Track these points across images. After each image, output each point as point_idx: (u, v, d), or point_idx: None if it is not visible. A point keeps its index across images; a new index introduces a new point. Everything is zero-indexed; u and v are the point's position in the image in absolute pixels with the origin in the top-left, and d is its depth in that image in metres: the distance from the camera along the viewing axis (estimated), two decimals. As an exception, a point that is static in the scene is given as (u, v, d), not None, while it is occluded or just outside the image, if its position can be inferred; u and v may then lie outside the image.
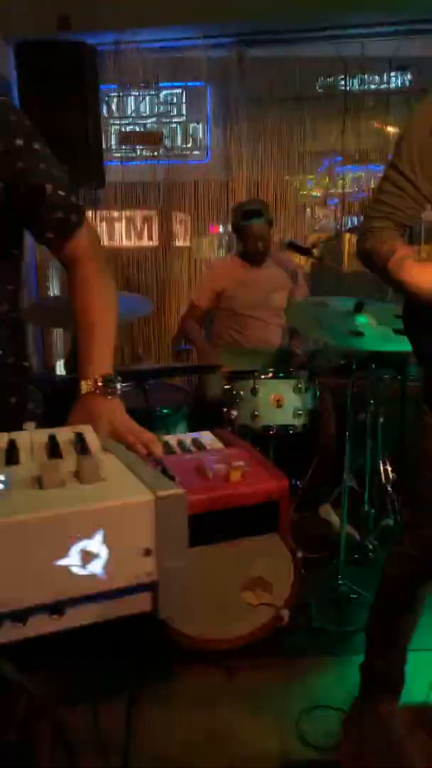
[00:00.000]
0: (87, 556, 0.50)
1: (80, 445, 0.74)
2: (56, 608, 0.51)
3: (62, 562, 0.49)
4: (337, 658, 1.96)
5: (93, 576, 0.49)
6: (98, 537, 0.50)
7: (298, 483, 2.83)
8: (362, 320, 2.07)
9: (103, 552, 0.50)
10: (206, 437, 1.28)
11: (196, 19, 3.17)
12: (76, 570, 0.49)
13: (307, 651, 2.02)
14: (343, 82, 3.31)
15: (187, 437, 1.28)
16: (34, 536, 0.49)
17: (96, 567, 0.50)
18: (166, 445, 1.22)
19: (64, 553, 0.49)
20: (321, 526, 2.64)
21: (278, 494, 1.01)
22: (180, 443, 1.25)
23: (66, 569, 0.49)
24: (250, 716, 1.78)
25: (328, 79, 3.34)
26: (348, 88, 3.31)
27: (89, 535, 0.50)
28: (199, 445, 1.25)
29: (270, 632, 1.97)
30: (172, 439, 1.27)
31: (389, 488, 2.59)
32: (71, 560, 0.49)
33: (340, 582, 2.26)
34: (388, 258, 1.30)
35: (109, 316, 1.07)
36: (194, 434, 1.29)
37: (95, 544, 0.49)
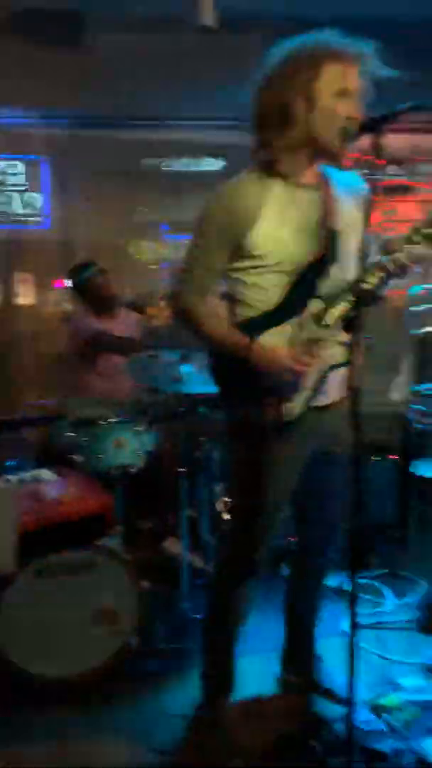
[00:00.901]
0: None
1: None
2: None
3: None
4: (184, 673, 2.13)
5: None
6: None
7: (146, 524, 3.04)
8: (186, 368, 2.40)
9: None
10: (44, 472, 1.47)
11: (32, 102, 3.46)
12: None
13: (156, 671, 2.17)
14: (166, 163, 3.80)
15: (27, 474, 1.45)
16: None
17: None
18: (7, 481, 1.38)
19: None
20: (167, 560, 2.84)
21: (103, 509, 1.23)
22: (19, 479, 1.42)
23: None
24: (103, 739, 1.90)
25: (153, 159, 3.79)
26: (170, 168, 3.80)
27: None
28: (37, 478, 1.43)
29: (120, 660, 2.12)
30: (12, 477, 1.44)
31: (225, 515, 2.89)
32: None
33: (184, 605, 2.48)
34: (197, 317, 1.64)
35: None
36: (33, 471, 1.48)
37: None
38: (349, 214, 1.62)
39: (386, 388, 3.69)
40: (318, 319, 1.59)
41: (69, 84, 3.37)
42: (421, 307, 2.57)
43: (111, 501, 1.26)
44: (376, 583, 2.73)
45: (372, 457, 3.28)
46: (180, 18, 3.10)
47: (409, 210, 3.82)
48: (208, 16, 3.02)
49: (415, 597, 2.54)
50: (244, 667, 1.94)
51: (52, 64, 3.33)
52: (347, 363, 1.43)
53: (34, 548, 1.01)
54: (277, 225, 1.58)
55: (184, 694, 2.00)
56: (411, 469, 2.59)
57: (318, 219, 1.62)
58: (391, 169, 3.81)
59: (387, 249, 1.53)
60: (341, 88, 1.52)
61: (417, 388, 2.61)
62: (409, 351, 2.70)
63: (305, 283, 1.60)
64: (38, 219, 3.83)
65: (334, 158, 1.61)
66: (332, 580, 2.65)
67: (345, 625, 2.21)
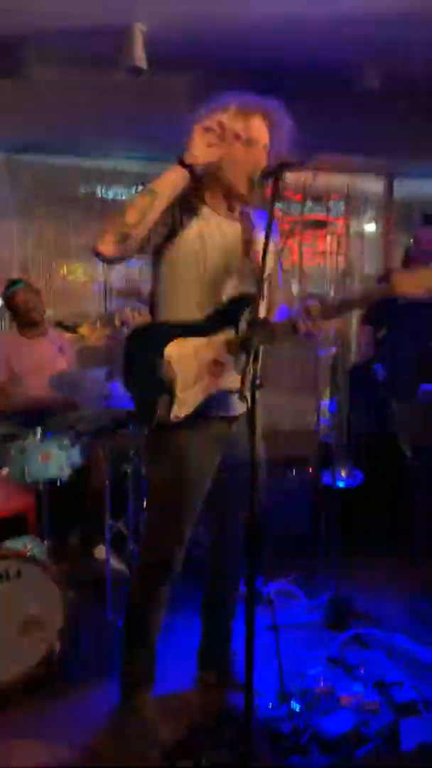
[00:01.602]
0: None
1: None
2: None
3: None
4: (107, 677, 2.19)
5: None
6: None
7: (75, 536, 3.12)
8: (114, 385, 2.54)
9: None
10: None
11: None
12: None
13: (79, 675, 2.25)
14: (101, 191, 3.97)
15: None
16: None
17: None
18: None
19: None
20: (94, 570, 2.93)
21: (25, 508, 1.35)
22: None
23: None
24: (23, 740, 1.97)
25: (87, 186, 3.95)
26: (105, 196, 3.98)
27: None
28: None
29: (45, 666, 2.19)
30: None
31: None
32: None
33: (108, 613, 2.57)
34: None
35: None
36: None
37: None
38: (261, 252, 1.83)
39: (306, 407, 3.96)
40: (229, 344, 1.79)
41: (6, 112, 3.51)
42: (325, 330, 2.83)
43: (32, 502, 1.38)
44: (291, 587, 2.93)
45: (293, 471, 3.52)
46: (113, 58, 3.31)
47: (324, 243, 4.16)
48: (138, 58, 3.24)
49: (324, 598, 2.75)
50: (164, 666, 2.05)
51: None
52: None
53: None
54: (200, 240, 1.78)
55: (107, 696, 2.09)
56: (320, 480, 2.82)
57: (237, 250, 1.82)
58: (311, 205, 4.14)
59: (305, 314, 1.71)
60: (245, 137, 1.74)
61: (325, 404, 2.85)
62: (321, 371, 2.95)
63: (227, 310, 1.79)
64: (-28, 239, 3.90)
65: (243, 199, 1.83)
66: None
67: (259, 625, 2.40)
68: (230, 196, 1.83)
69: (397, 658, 2.30)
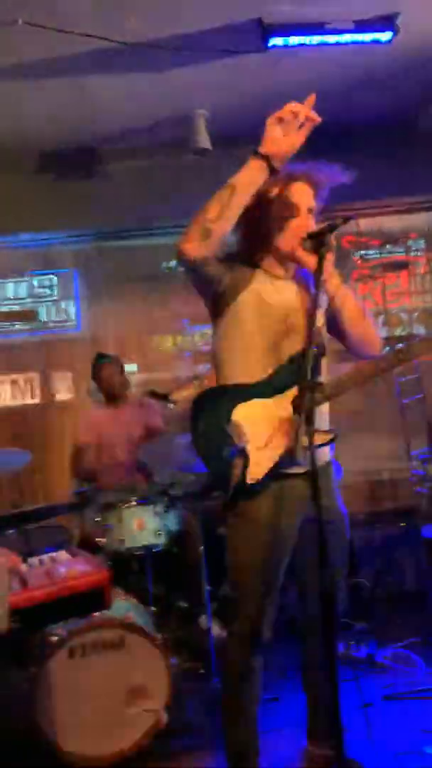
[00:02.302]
0: None
1: None
2: None
3: None
4: (215, 749, 2.13)
5: None
6: None
7: (181, 603, 3.14)
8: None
9: None
10: (60, 553, 1.69)
11: (60, 223, 3.99)
12: None
13: (186, 746, 2.22)
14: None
15: (46, 555, 1.68)
16: None
17: None
18: (27, 562, 1.62)
19: None
20: (200, 638, 2.91)
21: (102, 583, 1.42)
22: (39, 560, 1.65)
23: None
24: None
25: (170, 263, 4.21)
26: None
27: None
28: (53, 559, 1.65)
29: (152, 737, 2.17)
30: (34, 559, 1.67)
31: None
32: None
33: (214, 681, 2.53)
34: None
35: None
36: (52, 553, 1.70)
37: None
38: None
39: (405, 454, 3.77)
40: (296, 402, 1.78)
41: (89, 206, 3.89)
42: (406, 378, 2.73)
43: (107, 575, 1.45)
44: (407, 652, 2.72)
45: (401, 524, 3.33)
46: (179, 142, 3.59)
47: (408, 283, 4.05)
48: (203, 140, 3.48)
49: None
50: (273, 739, 1.98)
51: (74, 191, 3.88)
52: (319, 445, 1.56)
53: (46, 617, 1.25)
54: (258, 300, 1.82)
55: None
56: (423, 534, 2.64)
57: (295, 308, 1.85)
58: (388, 247, 4.09)
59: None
60: (289, 203, 1.79)
61: (414, 453, 2.71)
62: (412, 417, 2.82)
63: (291, 369, 1.79)
64: (72, 323, 4.27)
65: (294, 260, 1.86)
66: (361, 651, 2.68)
67: (372, 695, 2.26)
68: (282, 259, 1.87)
69: None
